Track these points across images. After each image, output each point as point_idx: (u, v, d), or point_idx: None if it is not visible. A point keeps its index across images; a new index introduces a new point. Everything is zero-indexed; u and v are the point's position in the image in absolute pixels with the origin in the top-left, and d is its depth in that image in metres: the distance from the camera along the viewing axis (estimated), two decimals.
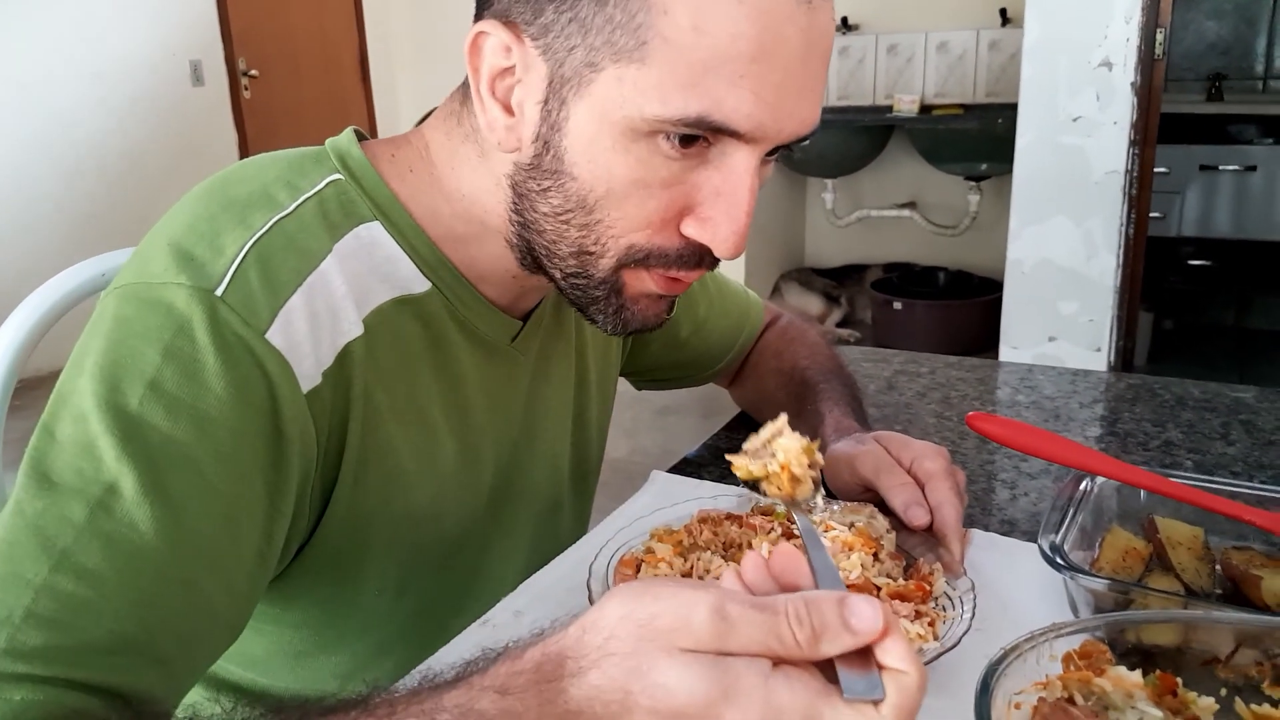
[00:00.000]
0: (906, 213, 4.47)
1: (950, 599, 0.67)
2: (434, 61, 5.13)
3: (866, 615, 0.41)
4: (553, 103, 0.59)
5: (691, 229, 0.60)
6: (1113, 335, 2.88)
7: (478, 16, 0.61)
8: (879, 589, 0.66)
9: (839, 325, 4.37)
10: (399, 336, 0.67)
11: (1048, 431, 0.80)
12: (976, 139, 3.87)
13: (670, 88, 0.55)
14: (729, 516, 0.76)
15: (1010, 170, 2.91)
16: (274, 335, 0.58)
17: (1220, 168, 3.77)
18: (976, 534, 0.79)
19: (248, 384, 0.57)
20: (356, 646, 0.77)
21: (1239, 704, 0.49)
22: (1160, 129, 2.77)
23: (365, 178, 0.67)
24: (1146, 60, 2.67)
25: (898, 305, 4.11)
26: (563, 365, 0.83)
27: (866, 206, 4.57)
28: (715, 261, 0.63)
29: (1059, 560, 0.65)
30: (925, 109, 4.06)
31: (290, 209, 0.63)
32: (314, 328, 0.61)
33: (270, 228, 0.61)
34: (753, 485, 0.58)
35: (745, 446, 0.59)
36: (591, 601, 0.65)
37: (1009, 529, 0.83)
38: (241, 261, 0.59)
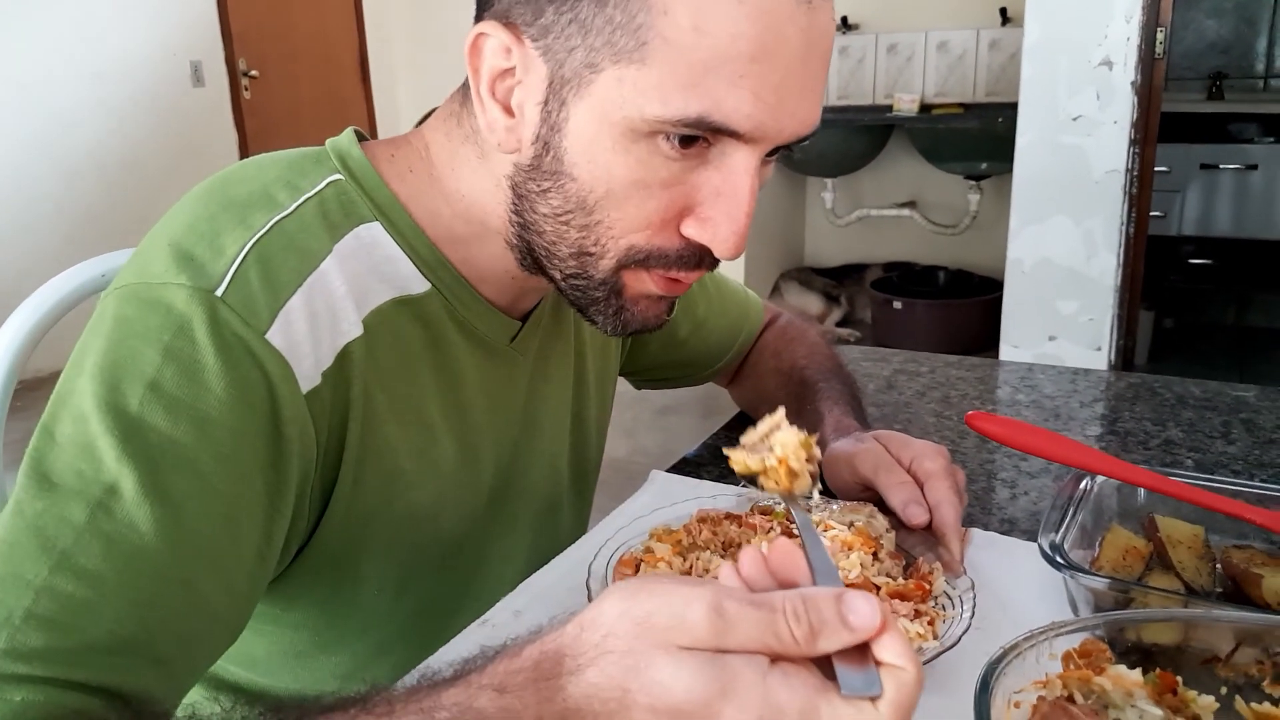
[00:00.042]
0: (906, 212, 4.47)
1: (950, 598, 0.67)
2: (434, 62, 5.12)
3: (864, 612, 0.41)
4: (553, 104, 0.59)
5: (691, 229, 0.60)
6: (1113, 334, 2.88)
7: (478, 17, 0.61)
8: (878, 588, 0.66)
9: (839, 325, 4.36)
10: (398, 337, 0.67)
11: (1048, 430, 0.80)
12: (976, 138, 3.86)
13: (670, 88, 0.55)
14: (728, 516, 0.76)
15: (1010, 169, 2.91)
16: (274, 335, 0.58)
17: (1221, 167, 3.77)
18: (976, 533, 0.79)
19: (248, 384, 0.57)
20: (356, 646, 0.77)
21: (1239, 702, 0.49)
22: (1161, 128, 2.76)
23: (365, 178, 0.67)
24: (1147, 59, 2.67)
25: (898, 305, 4.11)
26: (562, 365, 0.83)
27: (866, 206, 4.57)
28: (715, 262, 0.63)
29: (1059, 559, 0.65)
30: (925, 108, 4.06)
31: (290, 209, 0.63)
32: (314, 328, 0.61)
33: (270, 228, 0.61)
34: (750, 480, 0.58)
35: (743, 441, 0.59)
36: (590, 601, 0.65)
37: (1009, 528, 0.83)
38: (241, 262, 0.59)
